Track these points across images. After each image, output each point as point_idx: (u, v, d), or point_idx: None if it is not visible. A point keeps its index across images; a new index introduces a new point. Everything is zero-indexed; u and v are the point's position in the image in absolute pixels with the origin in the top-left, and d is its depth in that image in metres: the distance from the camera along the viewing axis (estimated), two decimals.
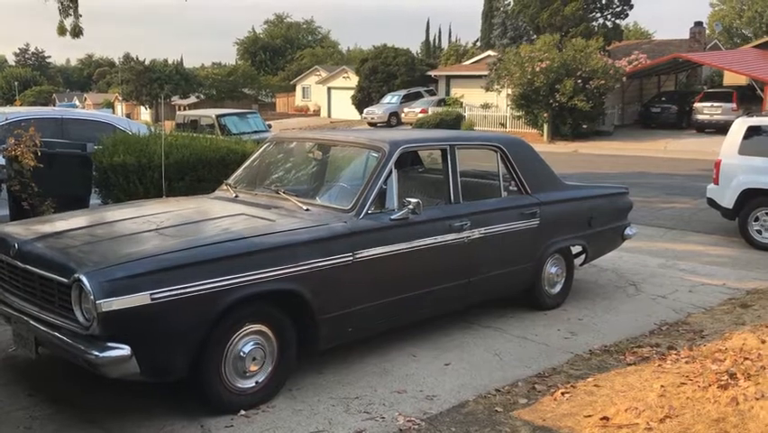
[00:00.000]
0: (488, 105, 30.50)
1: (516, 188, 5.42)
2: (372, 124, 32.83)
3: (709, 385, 3.73)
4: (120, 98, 54.33)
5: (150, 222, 4.22)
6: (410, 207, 4.32)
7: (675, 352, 4.63)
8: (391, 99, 34.96)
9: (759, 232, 8.25)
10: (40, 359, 3.85)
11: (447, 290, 4.77)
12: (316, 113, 45.24)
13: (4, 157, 6.34)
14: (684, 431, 3.29)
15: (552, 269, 5.63)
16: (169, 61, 52.06)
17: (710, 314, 5.62)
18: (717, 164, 8.57)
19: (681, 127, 25.91)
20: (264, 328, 3.81)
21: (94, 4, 17.36)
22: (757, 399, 3.47)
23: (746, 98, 24.28)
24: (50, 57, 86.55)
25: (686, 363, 4.33)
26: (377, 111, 34.12)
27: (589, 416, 3.60)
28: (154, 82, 47.28)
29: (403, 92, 35.25)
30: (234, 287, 3.59)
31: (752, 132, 8.33)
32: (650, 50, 30.99)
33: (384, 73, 37.49)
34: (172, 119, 23.66)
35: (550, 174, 5.72)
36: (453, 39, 54.27)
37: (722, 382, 3.74)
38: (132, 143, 6.91)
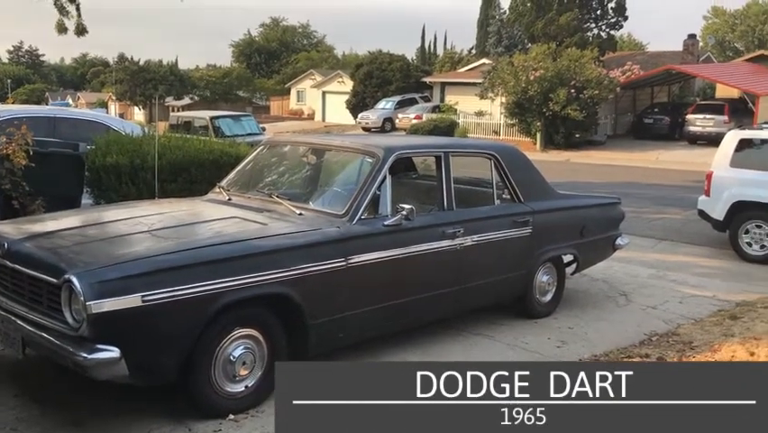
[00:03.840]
0: (482, 112, 30.56)
1: (509, 197, 5.42)
2: (367, 129, 32.82)
3: None
4: (113, 98, 54.11)
5: (143, 223, 4.20)
6: (404, 213, 4.32)
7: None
8: (386, 105, 34.97)
9: (749, 244, 8.29)
10: (28, 360, 3.82)
11: (439, 296, 4.76)
12: (311, 116, 45.21)
13: None
14: None
15: (543, 277, 5.64)
16: (164, 62, 51.91)
17: (700, 325, 5.64)
18: (709, 176, 8.62)
19: (673, 138, 25.99)
20: (255, 333, 3.79)
21: (89, 4, 17.32)
22: None
23: (738, 111, 24.42)
24: (43, 55, 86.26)
25: None
26: (371, 116, 34.11)
27: None
28: (148, 83, 47.09)
29: (398, 98, 35.26)
30: (226, 290, 3.58)
31: (744, 144, 8.38)
32: (644, 61, 31.16)
33: (379, 78, 37.53)
34: (166, 120, 23.59)
35: (543, 183, 5.73)
36: (449, 46, 54.29)
37: None
38: (126, 144, 6.87)
